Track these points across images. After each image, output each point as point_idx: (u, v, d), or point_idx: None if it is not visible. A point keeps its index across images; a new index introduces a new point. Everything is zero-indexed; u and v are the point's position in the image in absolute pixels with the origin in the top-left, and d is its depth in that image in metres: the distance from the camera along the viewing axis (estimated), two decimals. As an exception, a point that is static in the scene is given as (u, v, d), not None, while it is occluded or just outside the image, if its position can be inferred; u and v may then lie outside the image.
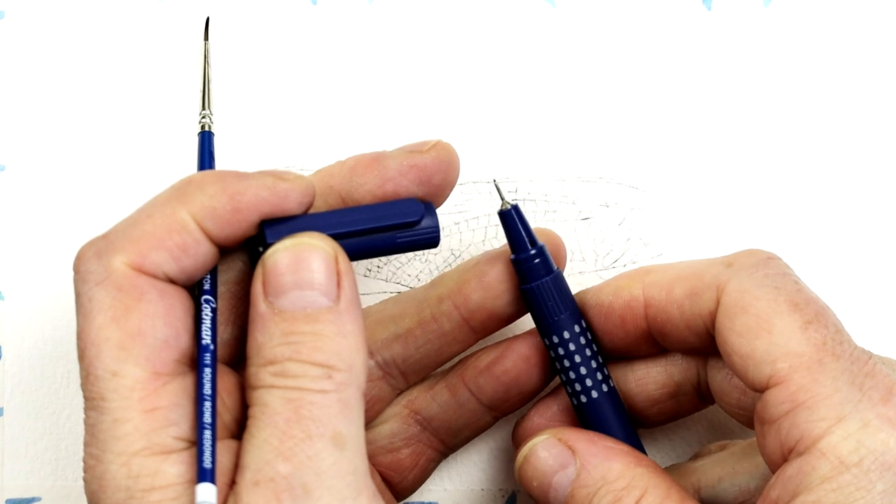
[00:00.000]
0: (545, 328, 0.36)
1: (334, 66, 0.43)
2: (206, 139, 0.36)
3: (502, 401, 0.38)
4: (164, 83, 0.43)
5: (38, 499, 0.42)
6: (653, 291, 0.35)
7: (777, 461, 0.31)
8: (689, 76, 0.43)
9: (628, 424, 0.36)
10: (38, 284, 0.43)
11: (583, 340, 0.35)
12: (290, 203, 0.31)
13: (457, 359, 0.38)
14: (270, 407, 0.29)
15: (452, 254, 0.42)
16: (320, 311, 0.30)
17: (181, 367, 0.30)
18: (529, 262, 0.35)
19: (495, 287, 0.36)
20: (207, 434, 0.28)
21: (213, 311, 0.31)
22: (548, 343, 0.36)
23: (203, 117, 0.37)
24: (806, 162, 0.43)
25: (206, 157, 0.36)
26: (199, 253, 0.30)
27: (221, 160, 0.43)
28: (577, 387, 0.35)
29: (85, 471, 0.29)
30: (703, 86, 0.43)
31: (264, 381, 0.29)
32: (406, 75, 0.43)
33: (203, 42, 0.40)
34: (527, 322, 0.37)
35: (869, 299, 0.43)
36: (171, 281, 0.30)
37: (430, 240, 0.33)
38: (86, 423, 0.29)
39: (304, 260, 0.31)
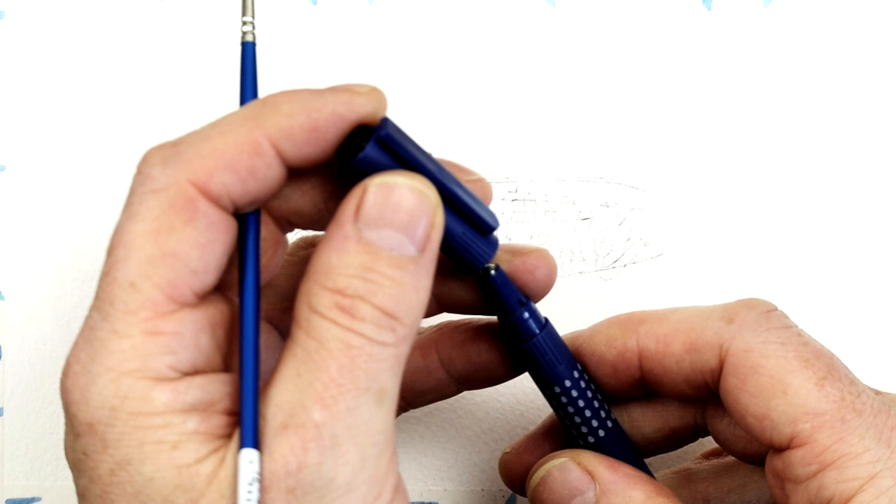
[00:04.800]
0: (545, 381, 0.34)
1: (334, 66, 0.43)
2: (247, 51, 0.32)
3: (470, 378, 0.37)
4: (164, 83, 0.43)
5: (38, 499, 0.42)
6: (648, 343, 0.34)
7: None
8: (689, 76, 0.43)
9: (637, 454, 0.36)
10: (38, 284, 0.43)
11: (583, 385, 0.34)
12: (367, 118, 0.30)
13: (430, 322, 0.37)
14: (325, 347, 0.28)
15: (452, 254, 0.42)
16: (406, 258, 0.29)
17: (197, 299, 0.28)
18: (522, 322, 0.34)
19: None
20: (249, 403, 0.28)
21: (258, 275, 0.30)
22: (548, 394, 0.35)
23: (244, 24, 0.32)
24: (805, 161, 0.43)
25: (248, 74, 0.32)
26: (268, 177, 0.29)
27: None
28: (584, 429, 0.35)
29: (67, 374, 0.27)
30: (703, 86, 0.43)
31: (325, 311, 0.28)
32: (406, 75, 0.43)
33: None
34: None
35: (867, 297, 0.43)
36: (232, 203, 0.29)
37: (478, 258, 0.32)
38: (86, 321, 0.28)
39: (409, 202, 0.29)
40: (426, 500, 0.42)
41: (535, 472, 0.34)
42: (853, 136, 0.43)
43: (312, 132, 0.29)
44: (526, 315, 0.33)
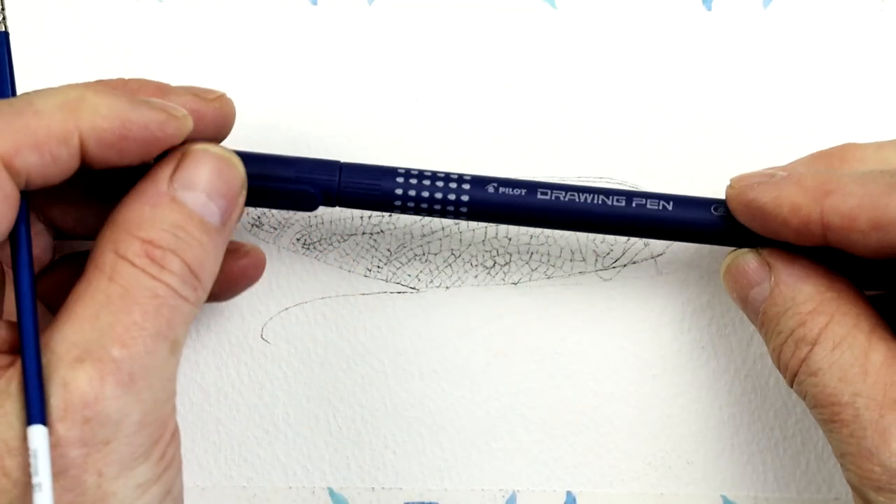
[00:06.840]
0: (384, 204, 0.36)
1: (334, 66, 0.43)
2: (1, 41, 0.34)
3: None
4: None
5: (37, 499, 0.42)
6: (833, 218, 0.33)
7: None
8: (689, 76, 0.43)
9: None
10: (37, 284, 0.43)
11: (414, 181, 0.37)
12: (174, 142, 0.32)
13: None
14: (131, 294, 0.30)
15: (453, 254, 0.42)
16: (213, 225, 0.32)
17: None
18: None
19: None
20: (34, 376, 0.29)
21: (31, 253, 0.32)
22: (412, 209, 0.37)
23: None
24: (806, 162, 0.43)
25: (3, 65, 0.34)
26: (63, 169, 0.31)
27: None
28: (451, 208, 0.37)
29: None
30: (703, 86, 0.43)
31: (134, 258, 0.30)
32: (405, 76, 0.43)
33: None
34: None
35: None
36: (27, 182, 0.30)
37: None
38: None
39: (224, 174, 0.32)
40: (426, 500, 0.42)
41: (725, 261, 0.35)
42: (853, 137, 0.43)
43: (122, 140, 0.31)
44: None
